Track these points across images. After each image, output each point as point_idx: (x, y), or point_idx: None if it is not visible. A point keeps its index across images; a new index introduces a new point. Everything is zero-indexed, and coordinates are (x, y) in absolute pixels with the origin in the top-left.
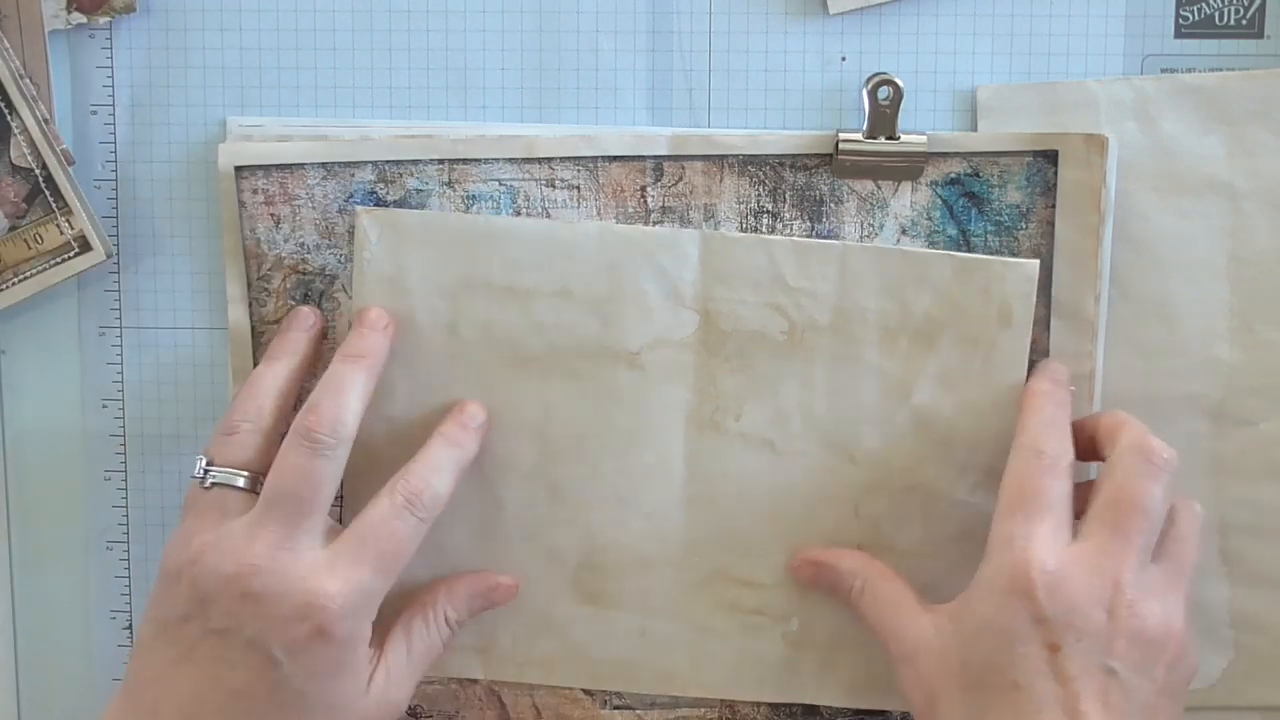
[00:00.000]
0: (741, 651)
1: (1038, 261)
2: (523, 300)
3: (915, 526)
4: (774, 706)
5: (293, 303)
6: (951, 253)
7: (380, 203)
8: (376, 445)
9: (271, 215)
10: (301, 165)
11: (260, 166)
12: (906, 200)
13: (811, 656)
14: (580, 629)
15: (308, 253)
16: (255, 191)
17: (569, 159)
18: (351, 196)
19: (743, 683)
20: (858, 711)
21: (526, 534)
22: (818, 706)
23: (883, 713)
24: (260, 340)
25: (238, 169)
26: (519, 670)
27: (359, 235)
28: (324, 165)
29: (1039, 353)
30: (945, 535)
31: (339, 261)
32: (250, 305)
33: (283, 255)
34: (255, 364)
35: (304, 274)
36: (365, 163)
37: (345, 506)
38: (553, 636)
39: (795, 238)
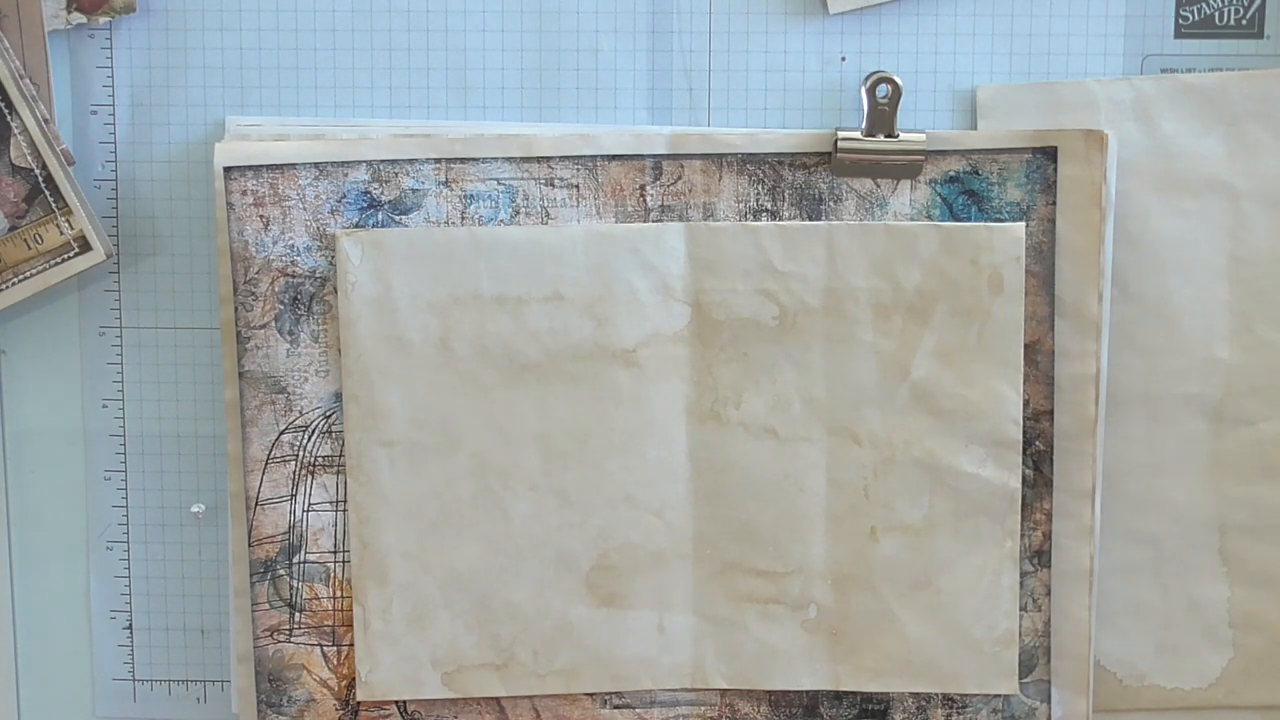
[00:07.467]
0: (761, 642)
1: (1023, 224)
2: (514, 309)
3: (924, 504)
4: (774, 705)
5: (281, 307)
6: (936, 223)
7: (374, 203)
8: (377, 472)
9: (261, 217)
10: (294, 165)
11: (250, 167)
12: (906, 198)
13: (832, 643)
14: (598, 632)
15: (297, 255)
16: (244, 193)
17: (568, 158)
18: (344, 197)
19: (765, 673)
20: (859, 711)
21: (537, 543)
22: (817, 704)
23: (883, 713)
24: (245, 345)
25: (226, 170)
26: (540, 683)
27: (340, 258)
28: (317, 165)
29: (1044, 353)
30: (955, 510)
31: (330, 264)
32: (236, 309)
33: (271, 258)
34: (241, 369)
35: (293, 277)
36: (359, 162)
37: (352, 533)
38: (572, 643)
39: (780, 222)
